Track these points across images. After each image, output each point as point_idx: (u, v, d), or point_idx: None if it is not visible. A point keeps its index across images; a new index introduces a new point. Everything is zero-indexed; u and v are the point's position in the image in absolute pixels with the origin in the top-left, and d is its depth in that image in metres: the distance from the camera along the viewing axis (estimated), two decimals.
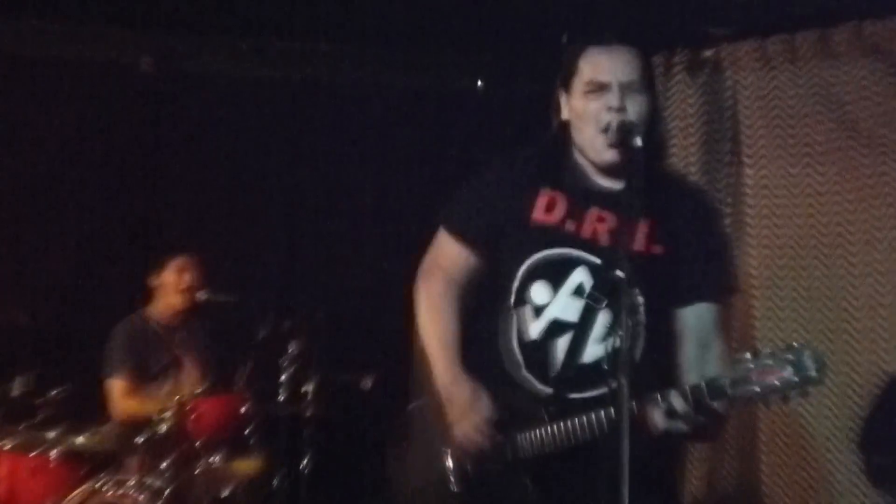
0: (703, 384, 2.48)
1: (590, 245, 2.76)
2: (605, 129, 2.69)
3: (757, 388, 2.43)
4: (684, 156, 4.74)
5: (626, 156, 2.64)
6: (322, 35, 4.73)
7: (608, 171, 2.76)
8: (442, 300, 2.87)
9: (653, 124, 2.72)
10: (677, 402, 2.49)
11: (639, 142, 2.59)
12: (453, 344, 2.84)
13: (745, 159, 4.67)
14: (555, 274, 2.77)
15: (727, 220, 4.69)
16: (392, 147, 5.07)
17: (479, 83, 4.74)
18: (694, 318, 2.75)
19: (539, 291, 2.77)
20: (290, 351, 4.55)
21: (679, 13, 4.44)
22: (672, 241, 2.73)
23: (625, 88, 2.70)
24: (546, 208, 2.79)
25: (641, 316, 2.58)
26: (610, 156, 2.71)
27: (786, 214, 4.59)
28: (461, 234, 2.91)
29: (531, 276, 2.79)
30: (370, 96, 5.05)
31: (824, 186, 4.54)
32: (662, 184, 2.73)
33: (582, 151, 2.79)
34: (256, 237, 5.11)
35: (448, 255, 2.94)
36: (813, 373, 2.40)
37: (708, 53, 4.70)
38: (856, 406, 4.35)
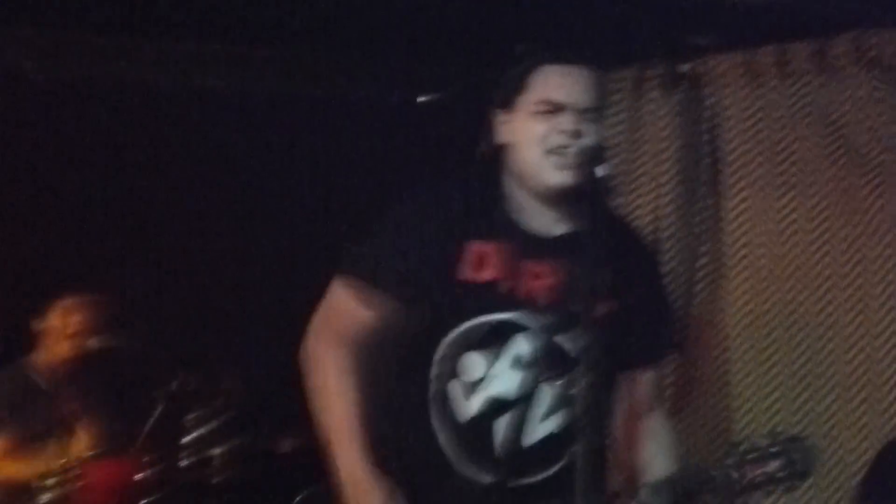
0: (676, 482, 2.40)
1: (530, 306, 2.54)
2: (555, 151, 2.48)
3: (737, 486, 2.36)
4: (655, 186, 4.33)
5: (580, 186, 2.42)
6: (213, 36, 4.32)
7: (553, 204, 2.54)
8: (343, 372, 2.54)
9: (601, 161, 2.46)
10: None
11: (601, 170, 2.35)
12: (359, 428, 2.52)
13: (727, 190, 4.27)
14: (490, 343, 2.54)
15: (702, 262, 4.28)
16: (321, 173, 4.69)
17: (420, 98, 4.42)
18: (635, 385, 2.64)
19: (472, 364, 2.54)
20: (197, 408, 4.29)
21: (652, 21, 4.04)
22: (617, 299, 2.53)
23: (581, 113, 2.50)
24: (476, 264, 2.55)
25: (592, 386, 2.33)
26: (559, 179, 2.49)
27: (772, 257, 4.19)
28: (369, 289, 2.59)
29: (461, 346, 2.55)
30: (296, 115, 4.64)
31: (817, 221, 4.13)
32: (607, 228, 2.42)
33: (522, 180, 2.56)
34: (162, 275, 4.68)
35: (350, 314, 2.61)
36: (804, 468, 2.35)
37: (685, 67, 4.31)
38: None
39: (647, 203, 4.39)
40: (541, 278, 2.55)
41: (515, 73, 2.58)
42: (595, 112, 2.53)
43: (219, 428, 4.29)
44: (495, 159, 2.61)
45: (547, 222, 2.58)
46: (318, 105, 4.50)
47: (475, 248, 2.55)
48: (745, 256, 4.28)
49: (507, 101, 2.58)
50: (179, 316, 4.58)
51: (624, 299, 2.54)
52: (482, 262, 2.55)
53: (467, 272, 2.55)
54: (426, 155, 4.36)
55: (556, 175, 2.50)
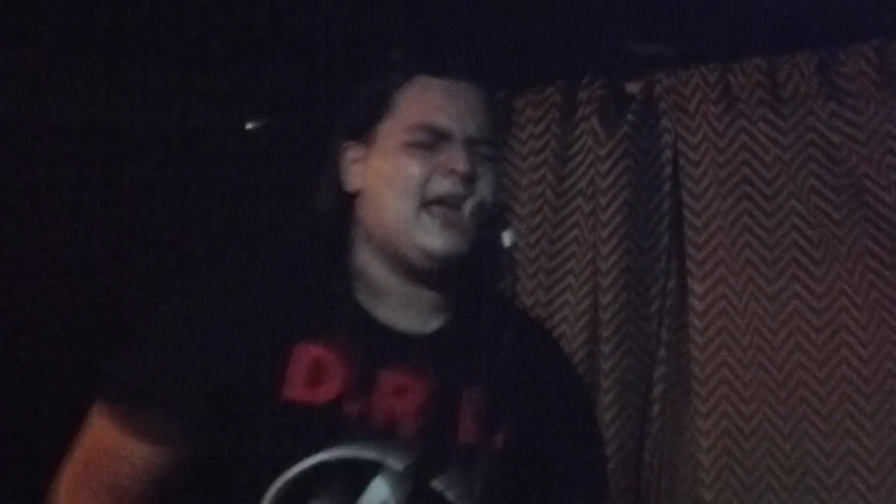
0: None
1: (392, 437, 2.16)
2: (437, 202, 2.12)
3: None
4: (590, 259, 3.37)
5: (471, 259, 2.12)
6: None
7: (428, 285, 2.17)
8: None
9: (507, 223, 2.15)
10: None
11: (507, 239, 2.07)
12: None
13: (692, 262, 3.30)
14: (337, 491, 2.15)
15: (662, 366, 3.36)
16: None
17: (250, 124, 3.58)
18: None
19: None
20: None
21: (587, 23, 3.11)
22: (519, 425, 2.20)
23: (474, 147, 2.15)
24: (309, 376, 2.14)
25: None
26: (440, 246, 2.12)
27: (755, 357, 3.23)
28: (146, 420, 2.14)
29: (295, 497, 2.12)
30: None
31: (825, 311, 3.15)
32: (507, 322, 2.12)
33: (383, 247, 2.18)
34: None
35: (119, 456, 2.16)
36: None
37: (634, 87, 3.43)
38: None
39: (579, 282, 3.43)
40: (406, 395, 2.16)
41: (375, 89, 2.19)
42: (493, 147, 2.17)
43: None
44: (340, 216, 2.20)
45: (416, 313, 2.20)
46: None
47: (308, 352, 2.14)
48: (720, 365, 3.27)
49: (361, 129, 2.19)
50: None
51: (528, 426, 2.20)
52: (319, 373, 2.14)
53: (297, 389, 2.13)
54: (244, 205, 3.41)
55: (436, 239, 2.11)
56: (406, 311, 2.21)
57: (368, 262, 2.20)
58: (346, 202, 2.22)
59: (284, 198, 3.14)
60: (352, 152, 2.21)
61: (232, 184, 3.52)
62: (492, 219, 2.10)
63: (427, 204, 2.15)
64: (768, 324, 3.19)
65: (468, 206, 2.12)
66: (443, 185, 2.13)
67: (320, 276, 2.19)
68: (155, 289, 2.40)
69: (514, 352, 2.15)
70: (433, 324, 2.21)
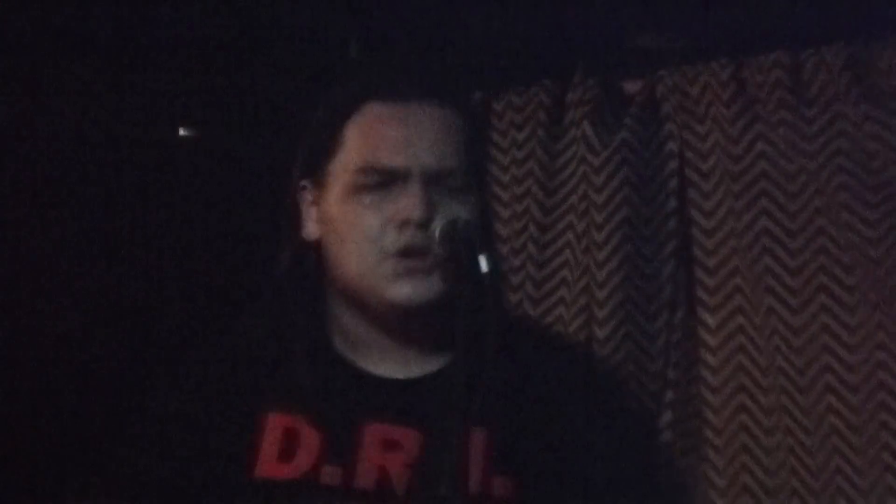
0: None
1: (382, 498, 2.12)
2: (396, 253, 2.09)
3: None
4: (584, 286, 3.17)
5: (447, 298, 2.07)
6: None
7: (405, 332, 2.16)
8: None
9: (486, 245, 2.05)
10: None
11: (484, 264, 1.98)
12: None
13: (703, 290, 3.07)
14: None
15: (669, 412, 3.10)
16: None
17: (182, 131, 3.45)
18: None
19: None
20: None
21: (575, 10, 3.01)
22: (521, 474, 2.14)
23: (435, 183, 2.10)
24: (281, 449, 2.12)
25: None
26: (409, 295, 2.10)
27: (778, 401, 2.97)
28: None
29: None
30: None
31: (853, 339, 2.89)
32: (498, 352, 1.98)
33: (353, 298, 2.16)
34: None
35: None
36: None
37: (633, 86, 3.25)
38: None
39: (571, 314, 3.18)
40: (398, 448, 2.15)
41: (323, 121, 2.19)
42: (464, 176, 2.15)
43: None
44: (303, 268, 2.21)
45: (403, 360, 2.20)
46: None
47: (280, 422, 2.15)
48: (737, 410, 3.02)
49: (313, 167, 2.19)
50: None
51: (534, 474, 2.17)
52: (293, 443, 2.15)
53: (269, 465, 2.15)
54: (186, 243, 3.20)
55: (402, 289, 2.12)
56: (390, 357, 2.21)
57: (342, 313, 2.20)
58: (311, 250, 2.20)
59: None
60: (308, 194, 2.19)
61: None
62: (464, 240, 2.03)
63: (384, 255, 2.12)
64: (794, 362, 2.95)
65: (436, 227, 2.07)
66: (398, 239, 2.10)
67: (290, 335, 2.19)
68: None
69: (522, 383, 2.17)
70: (424, 368, 2.20)
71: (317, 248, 2.20)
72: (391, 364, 2.22)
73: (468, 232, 2.07)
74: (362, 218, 2.13)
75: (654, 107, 3.22)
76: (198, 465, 2.20)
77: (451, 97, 2.21)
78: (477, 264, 2.01)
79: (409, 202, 2.09)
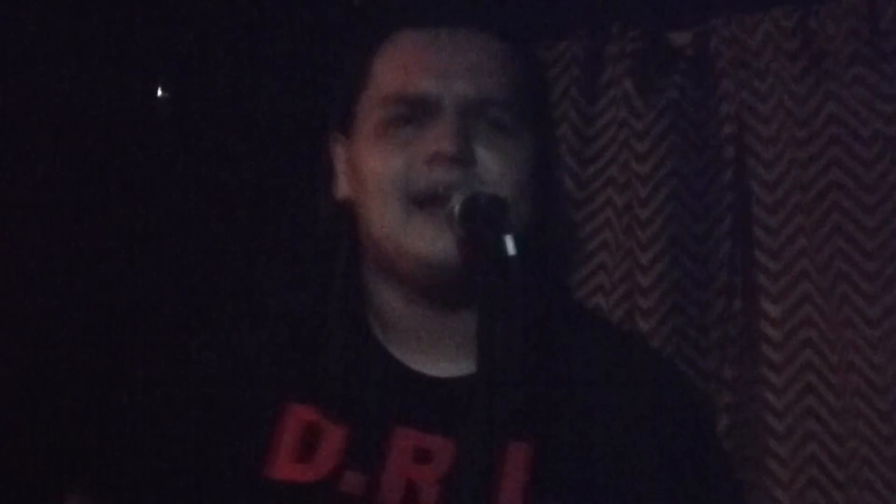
0: None
1: None
2: (426, 198, 1.93)
3: None
4: (626, 271, 3.18)
5: (472, 267, 1.90)
6: None
7: (438, 302, 1.98)
8: None
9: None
10: None
11: (510, 247, 1.80)
12: None
13: (764, 276, 3.02)
14: None
15: (725, 417, 3.04)
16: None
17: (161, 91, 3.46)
18: None
19: None
20: None
21: None
22: (590, 479, 1.96)
23: (470, 115, 1.92)
24: (299, 448, 1.98)
25: None
26: (426, 249, 1.92)
27: (851, 403, 2.93)
28: None
29: None
30: None
31: None
32: (563, 349, 1.96)
33: (381, 263, 2.00)
34: None
35: None
36: None
37: (682, 38, 3.20)
38: None
39: (611, 303, 3.16)
40: (431, 460, 1.99)
41: (351, 58, 2.05)
42: (512, 110, 1.96)
43: None
44: (336, 231, 2.05)
45: (443, 350, 2.01)
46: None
47: (299, 415, 2.03)
48: (804, 414, 2.99)
49: (344, 113, 2.03)
50: None
51: (597, 478, 2.00)
52: (313, 441, 2.01)
53: (284, 465, 2.00)
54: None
55: (421, 242, 1.93)
56: (430, 347, 2.05)
57: (375, 287, 2.06)
58: (340, 213, 2.08)
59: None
60: (338, 145, 2.06)
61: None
62: (487, 218, 1.88)
63: (413, 202, 1.97)
64: (870, 358, 2.93)
65: (455, 203, 1.91)
66: (424, 178, 1.94)
67: (317, 313, 2.08)
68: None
69: (577, 388, 2.03)
70: (461, 366, 2.03)
71: (350, 208, 2.08)
72: (427, 356, 2.04)
73: (493, 209, 1.92)
74: (388, 160, 1.98)
75: (707, 62, 3.22)
76: (202, 459, 2.09)
77: (498, 24, 2.08)
78: (503, 247, 1.84)
79: (440, 132, 1.94)
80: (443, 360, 2.05)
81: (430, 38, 2.01)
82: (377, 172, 2.00)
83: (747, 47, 3.13)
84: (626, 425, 2.07)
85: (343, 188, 2.05)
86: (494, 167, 1.96)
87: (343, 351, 2.08)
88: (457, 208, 1.91)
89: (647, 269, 3.10)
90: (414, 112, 1.98)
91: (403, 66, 2.01)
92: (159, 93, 3.41)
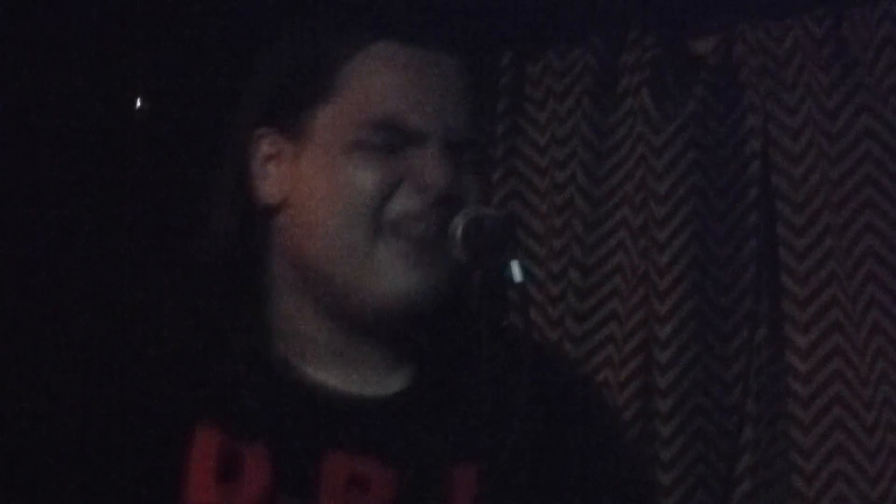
0: None
1: None
2: (398, 226, 1.89)
3: None
4: (642, 297, 3.12)
5: (458, 305, 1.95)
6: None
7: (384, 338, 1.94)
8: None
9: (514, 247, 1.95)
10: None
11: (517, 272, 1.83)
12: None
13: (791, 303, 2.96)
14: None
15: (748, 455, 3.01)
16: None
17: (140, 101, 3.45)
18: None
19: None
20: None
21: None
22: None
23: (454, 153, 1.92)
24: (219, 472, 1.89)
25: None
26: (411, 287, 1.90)
27: (885, 440, 2.87)
28: None
29: None
30: None
31: None
32: (495, 367, 1.88)
33: (319, 288, 1.95)
34: None
35: None
36: None
37: (704, 46, 3.13)
38: None
39: (625, 332, 3.10)
40: (368, 487, 1.91)
41: (309, 56, 1.95)
42: (479, 152, 1.99)
43: None
44: (249, 240, 1.97)
45: (368, 373, 1.96)
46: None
47: (214, 438, 1.92)
48: (833, 452, 2.92)
49: (284, 113, 1.94)
50: None
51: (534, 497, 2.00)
52: (233, 466, 1.92)
53: (204, 491, 1.90)
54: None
55: (402, 279, 1.89)
56: (351, 372, 2.00)
57: (292, 309, 1.98)
58: (258, 219, 1.98)
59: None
60: (267, 145, 1.95)
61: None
62: (493, 241, 1.85)
63: (384, 229, 1.92)
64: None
65: (458, 224, 1.86)
66: (411, 203, 1.90)
67: (222, 327, 1.99)
68: None
69: (526, 407, 1.94)
70: (396, 383, 1.99)
71: (270, 216, 2.00)
72: (348, 376, 1.99)
73: (498, 232, 1.88)
74: (363, 177, 1.91)
75: (731, 71, 3.13)
76: (106, 488, 1.97)
77: (474, 52, 2.07)
78: (505, 271, 1.82)
79: (431, 165, 1.90)
80: (367, 383, 2.00)
81: (415, 60, 1.97)
82: (340, 190, 1.94)
83: (774, 56, 3.06)
84: (563, 447, 2.04)
85: (270, 194, 1.98)
86: (473, 203, 1.96)
87: (246, 368, 2.00)
88: (459, 230, 1.87)
89: (664, 295, 3.04)
90: (395, 142, 1.93)
91: (389, 88, 1.96)
92: (139, 103, 3.35)
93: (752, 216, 3.05)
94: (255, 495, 1.92)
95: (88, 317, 3.00)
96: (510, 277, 1.82)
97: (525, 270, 1.83)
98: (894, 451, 2.84)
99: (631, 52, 3.15)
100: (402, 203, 1.91)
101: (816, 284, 2.97)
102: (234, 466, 1.93)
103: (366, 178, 1.91)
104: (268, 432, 1.92)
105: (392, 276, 1.90)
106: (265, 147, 1.95)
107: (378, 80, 1.94)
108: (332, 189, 1.93)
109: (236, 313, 1.99)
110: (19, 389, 2.44)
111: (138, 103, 3.33)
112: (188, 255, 2.06)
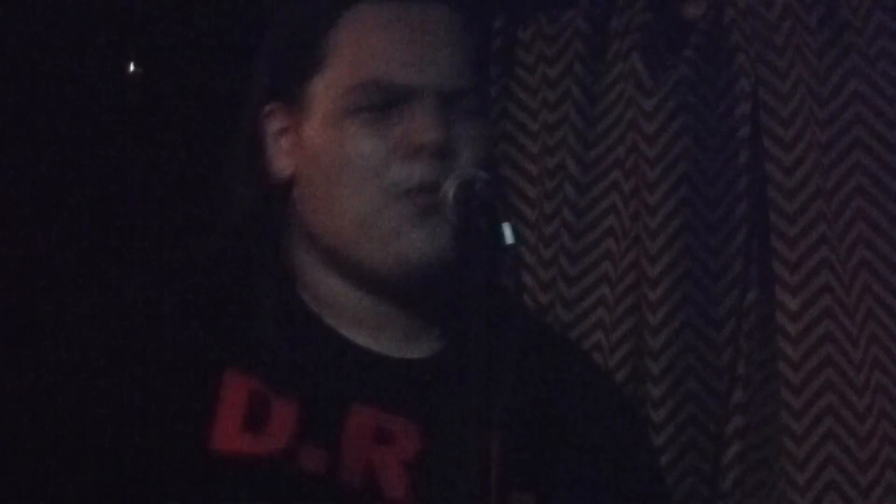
0: None
1: (369, 500, 2.04)
2: (401, 193, 1.99)
3: None
4: (632, 260, 3.16)
5: (459, 267, 1.98)
6: None
7: (407, 302, 2.06)
8: None
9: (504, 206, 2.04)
10: None
11: (508, 234, 1.89)
12: None
13: (782, 266, 3.00)
14: None
15: (739, 417, 3.07)
16: None
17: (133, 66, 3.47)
18: None
19: None
20: None
21: None
22: (542, 487, 2.09)
23: (450, 103, 2.02)
24: (246, 418, 2.01)
25: None
26: (423, 248, 1.98)
27: (874, 401, 2.95)
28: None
29: None
30: None
31: None
32: (509, 343, 1.93)
33: (337, 256, 2.05)
34: None
35: None
36: None
37: (695, 9, 3.16)
38: None
39: (616, 294, 3.14)
40: (392, 442, 2.04)
41: (299, 28, 2.06)
42: (478, 97, 2.07)
43: None
44: (267, 213, 2.09)
45: (397, 336, 2.08)
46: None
47: (242, 384, 2.03)
48: (823, 413, 2.98)
49: (287, 85, 2.06)
50: None
51: (557, 487, 2.12)
52: (260, 413, 2.03)
53: (231, 436, 2.01)
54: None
55: (415, 240, 1.98)
56: (379, 334, 2.09)
57: (316, 275, 2.08)
58: (275, 191, 2.09)
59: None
60: (276, 120, 2.06)
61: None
62: (484, 204, 1.93)
63: (388, 196, 2.02)
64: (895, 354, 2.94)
65: (450, 188, 1.96)
66: (408, 172, 2.00)
67: (240, 284, 2.09)
68: None
69: (539, 383, 2.12)
70: (425, 348, 2.10)
71: (286, 188, 2.09)
72: (378, 338, 2.11)
73: (489, 194, 1.95)
74: (360, 145, 2.01)
75: (721, 35, 3.14)
76: (132, 435, 2.05)
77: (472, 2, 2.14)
78: (497, 234, 1.89)
79: (422, 123, 1.98)
80: (395, 342, 2.10)
81: (399, 15, 2.03)
82: (345, 159, 2.02)
83: (765, 19, 3.06)
84: (570, 422, 2.15)
85: (283, 167, 2.06)
86: (469, 156, 2.01)
87: (276, 320, 2.08)
88: (451, 193, 1.95)
89: (655, 258, 3.07)
90: (388, 100, 2.01)
91: (372, 48, 2.03)
92: (131, 68, 3.37)
93: (743, 180, 3.08)
94: (280, 443, 2.01)
95: (123, 265, 3.01)
96: (500, 241, 1.89)
97: (516, 233, 1.90)
98: (884, 412, 2.89)
99: (622, 16, 3.16)
100: (401, 168, 1.99)
101: (806, 247, 3.00)
102: (261, 414, 2.03)
103: (362, 146, 2.00)
104: (297, 383, 2.02)
105: (399, 240, 2.00)
106: (275, 122, 2.06)
107: (363, 42, 2.03)
108: (333, 160, 2.02)
109: (268, 270, 2.08)
110: (54, 332, 2.36)
111: (130, 68, 3.35)
112: (211, 222, 2.17)
